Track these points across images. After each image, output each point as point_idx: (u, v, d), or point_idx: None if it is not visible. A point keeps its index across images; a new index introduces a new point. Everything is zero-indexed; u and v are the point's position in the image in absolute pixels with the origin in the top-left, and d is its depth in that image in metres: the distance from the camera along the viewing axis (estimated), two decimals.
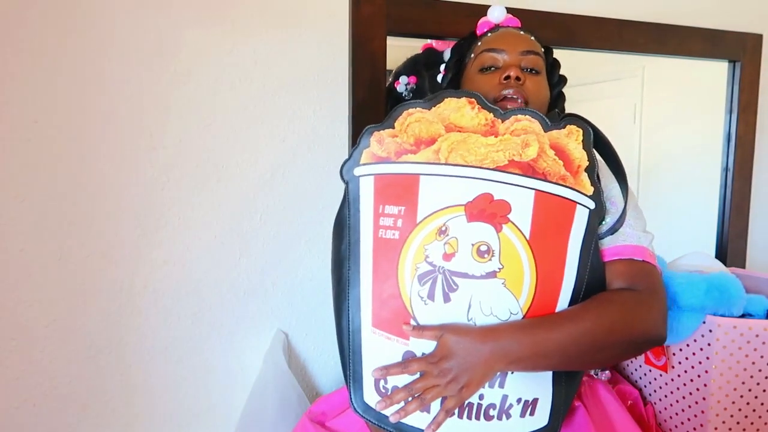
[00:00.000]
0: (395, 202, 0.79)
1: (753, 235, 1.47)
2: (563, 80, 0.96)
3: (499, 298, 0.77)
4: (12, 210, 0.99)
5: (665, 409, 1.01)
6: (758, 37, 1.41)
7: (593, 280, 0.81)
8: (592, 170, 0.79)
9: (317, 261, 1.16)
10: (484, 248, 0.77)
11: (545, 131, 0.79)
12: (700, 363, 0.93)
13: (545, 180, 0.78)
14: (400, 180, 0.80)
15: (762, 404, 0.93)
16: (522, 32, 0.91)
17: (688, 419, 0.96)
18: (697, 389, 0.94)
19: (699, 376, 0.93)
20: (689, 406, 0.96)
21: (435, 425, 0.75)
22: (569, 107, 0.96)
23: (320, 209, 1.16)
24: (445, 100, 0.81)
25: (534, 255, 0.78)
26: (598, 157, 0.83)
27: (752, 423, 0.93)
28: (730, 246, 1.43)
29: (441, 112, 0.81)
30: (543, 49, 0.93)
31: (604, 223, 0.84)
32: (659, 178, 1.43)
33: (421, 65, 1.19)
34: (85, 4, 1.00)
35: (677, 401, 0.98)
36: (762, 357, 0.91)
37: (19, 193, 0.99)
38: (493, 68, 0.89)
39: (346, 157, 0.82)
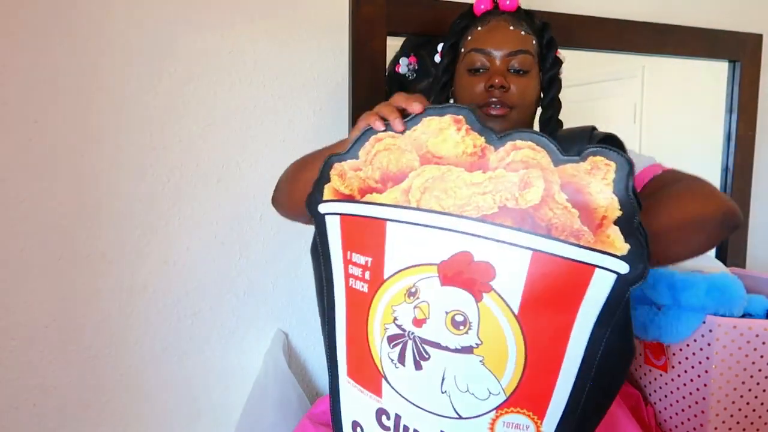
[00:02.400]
0: (362, 251, 0.68)
1: (753, 235, 1.47)
2: (558, 63, 0.92)
3: (476, 376, 0.63)
4: (12, 210, 0.99)
5: (665, 409, 1.01)
6: (758, 37, 1.41)
7: (609, 358, 0.61)
8: (628, 221, 0.56)
9: None
10: (459, 318, 0.63)
11: (555, 165, 0.58)
12: (700, 363, 0.93)
13: (548, 236, 0.58)
14: (366, 224, 0.67)
15: (762, 404, 0.93)
16: (513, 26, 0.88)
17: (688, 419, 0.96)
18: (697, 389, 0.94)
19: (699, 376, 0.93)
20: (689, 406, 0.96)
21: None
22: (567, 108, 0.93)
23: None
24: (423, 120, 0.65)
25: (523, 332, 0.61)
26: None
27: (752, 423, 0.93)
28: (730, 246, 1.43)
29: (417, 136, 0.65)
30: (538, 30, 0.90)
31: None
32: None
33: (417, 45, 1.17)
34: (85, 4, 1.00)
35: (677, 401, 0.98)
36: (762, 357, 0.91)
37: (19, 193, 0.99)
38: (481, 70, 0.87)
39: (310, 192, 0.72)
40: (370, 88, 1.12)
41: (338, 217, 0.69)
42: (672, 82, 1.44)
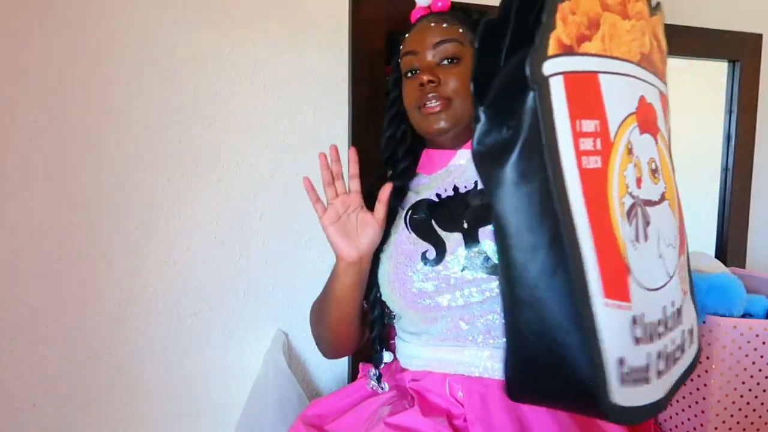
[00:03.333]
0: (590, 115, 0.56)
1: (753, 235, 1.47)
2: None
3: (671, 225, 0.64)
4: (12, 210, 0.99)
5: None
6: (758, 37, 1.41)
7: None
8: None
9: (317, 261, 1.16)
10: (653, 166, 0.61)
11: (650, 16, 0.64)
12: (700, 363, 0.93)
13: (661, 79, 0.65)
14: (585, 81, 0.57)
15: (762, 404, 0.93)
16: (434, 23, 0.89)
17: (688, 419, 0.96)
18: (697, 389, 0.94)
19: (699, 376, 0.93)
20: (689, 406, 0.96)
21: None
22: None
23: None
24: None
25: (671, 166, 0.64)
26: None
27: (752, 423, 0.93)
28: (730, 246, 1.43)
29: None
30: (472, 21, 0.90)
31: None
32: None
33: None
34: (85, 4, 1.00)
35: (677, 401, 0.98)
36: (762, 357, 0.91)
37: (19, 193, 0.99)
38: (415, 72, 0.89)
39: (533, 45, 0.54)
40: (370, 88, 1.12)
41: (561, 77, 0.55)
42: (672, 82, 1.44)
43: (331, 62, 1.14)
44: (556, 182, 0.53)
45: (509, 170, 0.54)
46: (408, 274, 0.85)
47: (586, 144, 0.55)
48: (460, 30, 0.89)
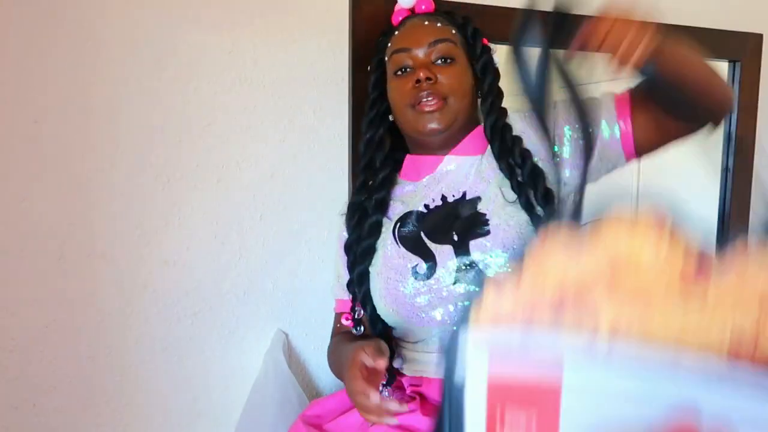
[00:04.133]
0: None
1: (753, 235, 1.47)
2: (487, 50, 0.91)
3: None
4: (12, 210, 0.99)
5: None
6: (758, 37, 1.41)
7: None
8: None
9: (317, 261, 1.16)
10: None
11: None
12: None
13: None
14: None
15: None
16: (428, 20, 0.89)
17: None
18: None
19: None
20: None
21: None
22: None
23: (320, 209, 1.16)
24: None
25: None
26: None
27: None
28: (731, 246, 1.43)
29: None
30: (459, 25, 0.90)
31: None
32: (659, 179, 1.43)
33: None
34: (85, 3, 1.00)
35: None
36: None
37: (19, 193, 0.99)
38: (406, 69, 0.87)
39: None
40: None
41: None
42: None
43: (331, 62, 1.14)
44: None
45: None
46: (399, 289, 0.83)
47: None
48: (453, 31, 0.89)
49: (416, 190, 0.91)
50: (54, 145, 1.00)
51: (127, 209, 1.05)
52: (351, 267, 0.90)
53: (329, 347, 0.98)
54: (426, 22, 0.89)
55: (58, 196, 1.01)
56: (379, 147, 0.92)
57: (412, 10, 0.94)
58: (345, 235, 0.93)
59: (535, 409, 0.41)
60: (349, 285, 0.91)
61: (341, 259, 0.94)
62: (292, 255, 1.15)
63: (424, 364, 0.85)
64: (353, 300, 0.91)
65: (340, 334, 0.97)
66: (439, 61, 0.86)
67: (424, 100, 0.84)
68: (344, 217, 0.94)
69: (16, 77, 0.98)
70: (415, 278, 0.83)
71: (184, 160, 1.07)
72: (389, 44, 0.91)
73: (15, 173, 0.99)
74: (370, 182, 0.92)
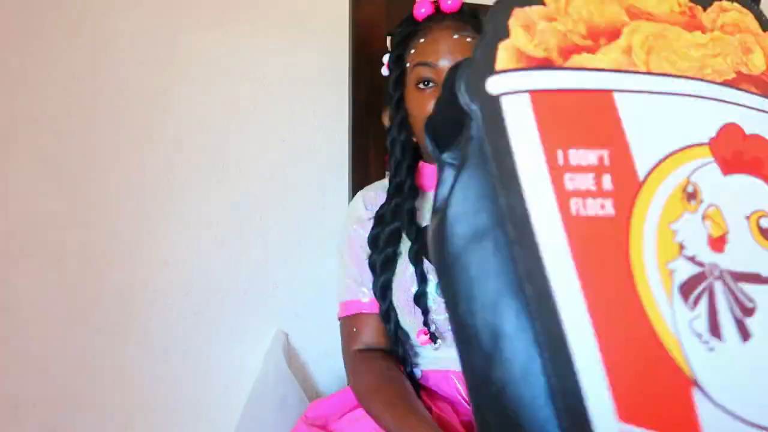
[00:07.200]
0: (586, 143, 0.41)
1: None
2: None
3: None
4: (12, 210, 0.99)
5: None
6: None
7: None
8: None
9: (317, 261, 1.16)
10: (765, 224, 0.43)
11: (764, 30, 0.52)
12: None
13: None
14: (583, 101, 0.43)
15: None
16: (456, 33, 0.84)
17: None
18: None
19: None
20: None
21: None
22: None
23: (320, 209, 1.16)
24: None
25: None
26: None
27: None
28: None
29: None
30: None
31: None
32: None
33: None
34: (85, 3, 1.00)
35: None
36: None
37: (20, 193, 0.99)
38: (429, 83, 0.84)
39: (467, 59, 0.42)
40: (370, 89, 1.12)
41: (527, 95, 0.41)
42: None
43: (331, 62, 1.14)
44: (522, 239, 0.37)
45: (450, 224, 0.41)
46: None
47: (580, 181, 0.39)
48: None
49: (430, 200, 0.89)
50: (54, 144, 1.00)
51: (127, 209, 1.05)
52: (379, 276, 0.85)
53: (350, 362, 0.89)
54: (456, 35, 0.84)
55: (58, 195, 1.01)
56: (405, 152, 0.89)
57: (436, 6, 0.87)
58: (357, 234, 0.90)
59: (600, 141, 0.42)
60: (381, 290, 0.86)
61: (354, 259, 0.89)
62: (292, 255, 1.15)
63: (431, 358, 0.85)
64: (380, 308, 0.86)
65: (374, 360, 0.87)
66: None
67: None
68: (353, 218, 0.91)
69: (15, 77, 0.98)
70: (437, 292, 0.82)
71: (184, 160, 1.07)
72: (413, 50, 0.87)
73: (15, 173, 0.99)
74: (404, 186, 0.88)
